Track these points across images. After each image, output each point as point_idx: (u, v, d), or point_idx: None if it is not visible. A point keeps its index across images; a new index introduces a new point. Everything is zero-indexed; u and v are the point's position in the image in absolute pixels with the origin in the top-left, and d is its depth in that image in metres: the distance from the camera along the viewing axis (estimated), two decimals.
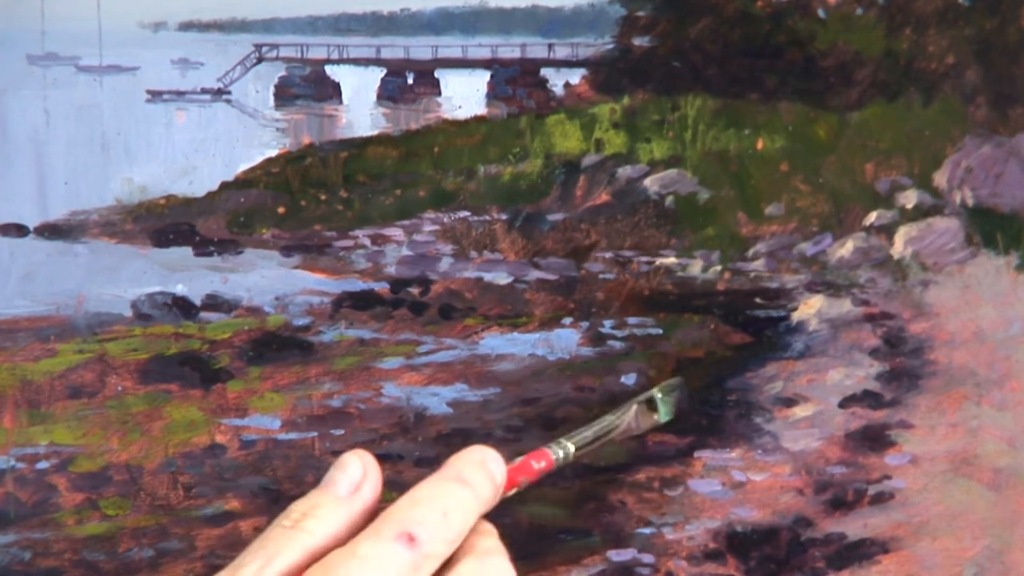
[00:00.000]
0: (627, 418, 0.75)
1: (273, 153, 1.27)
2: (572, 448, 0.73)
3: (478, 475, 0.66)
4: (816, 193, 1.41)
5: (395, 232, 1.29)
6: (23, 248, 1.20)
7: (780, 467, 1.40)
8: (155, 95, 1.25)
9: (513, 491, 0.68)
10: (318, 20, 1.30)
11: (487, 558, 0.64)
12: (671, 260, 1.34)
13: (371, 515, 0.63)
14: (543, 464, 0.71)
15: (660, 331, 1.31)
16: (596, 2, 1.29)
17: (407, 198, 1.30)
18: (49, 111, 1.20)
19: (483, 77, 1.34)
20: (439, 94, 1.36)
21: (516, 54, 1.34)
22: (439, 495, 0.64)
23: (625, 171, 1.34)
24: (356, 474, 0.65)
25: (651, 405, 0.78)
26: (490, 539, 0.66)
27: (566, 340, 1.29)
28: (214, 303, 1.25)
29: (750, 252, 1.39)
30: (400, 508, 0.63)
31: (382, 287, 1.28)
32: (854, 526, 1.41)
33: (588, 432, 0.75)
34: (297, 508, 0.63)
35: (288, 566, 0.61)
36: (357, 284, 1.28)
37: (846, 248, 1.43)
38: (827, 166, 1.41)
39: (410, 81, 1.36)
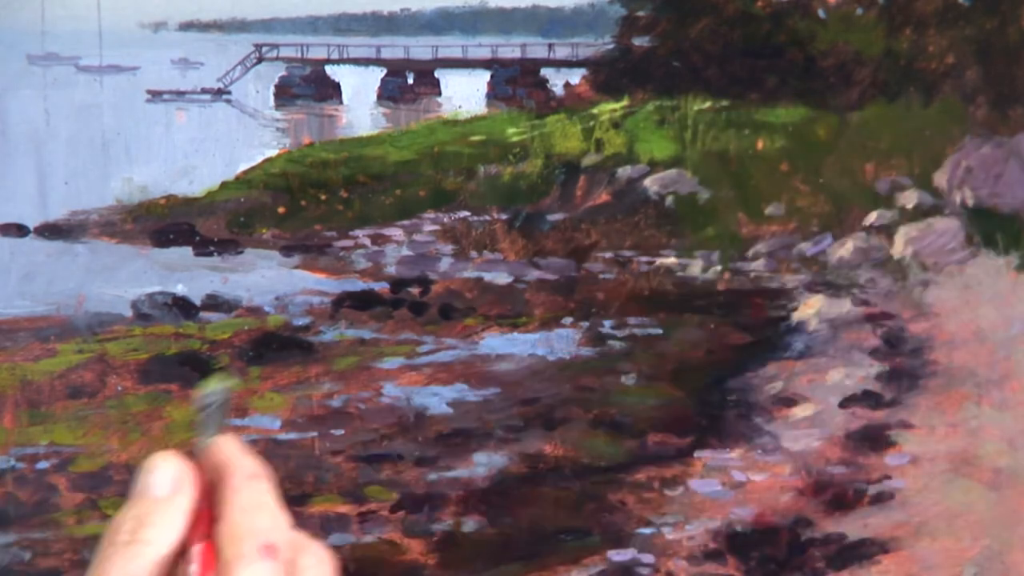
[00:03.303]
0: None
1: (273, 153, 1.27)
2: None
3: (252, 463, 0.64)
4: (816, 193, 1.41)
5: (395, 232, 1.29)
6: (23, 248, 1.19)
7: (780, 467, 1.40)
8: (155, 95, 1.26)
9: None
10: (318, 20, 1.30)
11: (312, 543, 0.63)
12: (671, 260, 1.34)
13: (195, 512, 0.61)
14: None
15: (660, 331, 1.31)
16: (596, 2, 1.29)
17: (407, 198, 1.30)
18: (49, 111, 1.20)
19: (483, 77, 1.34)
20: (439, 94, 1.36)
21: (516, 54, 1.34)
22: (256, 497, 0.62)
23: (625, 171, 1.34)
24: (170, 472, 0.62)
25: None
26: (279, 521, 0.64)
27: (566, 340, 1.29)
28: (214, 303, 1.25)
29: (750, 252, 1.39)
30: (240, 523, 0.61)
31: (382, 287, 1.28)
32: (854, 526, 1.41)
33: None
34: (126, 520, 0.60)
35: None
36: (357, 284, 1.28)
37: (846, 248, 1.43)
38: (827, 166, 1.41)
39: (410, 81, 1.36)
